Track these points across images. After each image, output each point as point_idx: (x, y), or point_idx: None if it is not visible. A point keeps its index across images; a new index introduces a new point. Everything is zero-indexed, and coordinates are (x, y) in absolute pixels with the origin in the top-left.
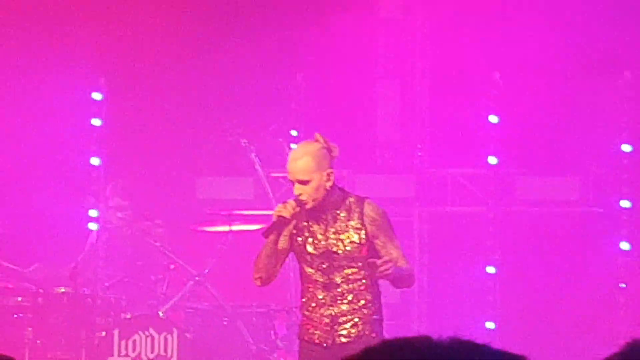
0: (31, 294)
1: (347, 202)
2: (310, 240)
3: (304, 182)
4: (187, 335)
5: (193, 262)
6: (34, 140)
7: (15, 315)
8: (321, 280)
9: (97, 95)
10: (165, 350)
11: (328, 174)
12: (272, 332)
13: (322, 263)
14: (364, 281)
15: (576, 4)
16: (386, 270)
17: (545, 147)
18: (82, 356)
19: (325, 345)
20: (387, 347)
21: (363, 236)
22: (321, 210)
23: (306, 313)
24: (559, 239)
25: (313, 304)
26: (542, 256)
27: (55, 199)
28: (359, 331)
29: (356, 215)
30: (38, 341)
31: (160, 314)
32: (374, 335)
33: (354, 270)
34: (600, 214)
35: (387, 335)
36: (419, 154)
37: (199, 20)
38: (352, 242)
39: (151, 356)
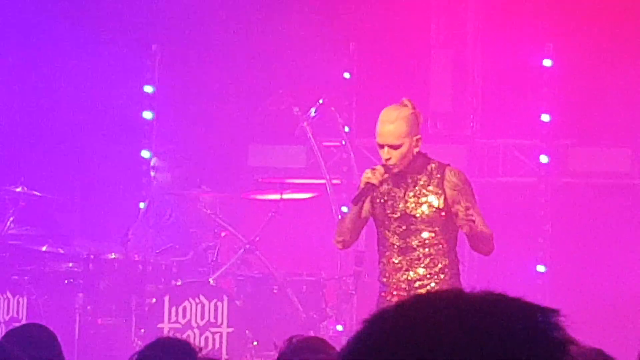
0: (82, 260)
1: (429, 167)
2: (389, 203)
3: (394, 147)
4: (237, 302)
5: (244, 229)
6: (91, 102)
7: (66, 281)
8: (398, 243)
9: (150, 61)
10: (215, 318)
11: (417, 140)
12: (322, 300)
13: (400, 226)
14: (441, 246)
15: None
16: (470, 216)
17: (597, 117)
18: (132, 322)
19: None
20: (420, 300)
21: (442, 201)
22: (403, 174)
23: (383, 279)
24: (610, 210)
25: (390, 269)
26: (593, 228)
27: (109, 163)
28: None
29: (436, 180)
30: (88, 307)
31: (211, 281)
32: None
33: (432, 235)
34: None
35: None
36: (472, 124)
37: None
38: (430, 206)
39: (201, 323)
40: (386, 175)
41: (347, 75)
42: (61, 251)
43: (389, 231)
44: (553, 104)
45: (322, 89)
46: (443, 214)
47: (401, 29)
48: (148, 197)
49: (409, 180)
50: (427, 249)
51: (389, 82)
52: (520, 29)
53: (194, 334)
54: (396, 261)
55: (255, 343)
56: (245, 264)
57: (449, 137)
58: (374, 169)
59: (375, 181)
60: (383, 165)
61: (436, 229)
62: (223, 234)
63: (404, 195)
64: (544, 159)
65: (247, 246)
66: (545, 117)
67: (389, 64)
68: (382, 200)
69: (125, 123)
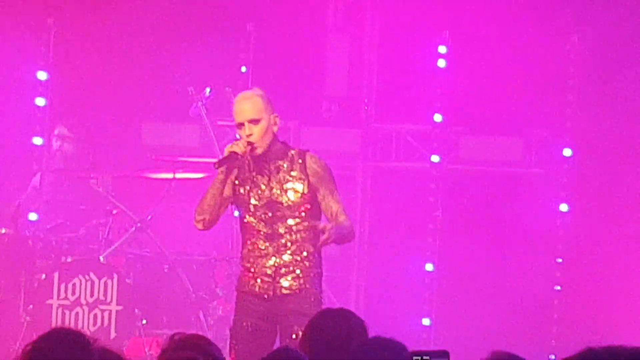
0: None
1: (290, 154)
2: (254, 190)
3: (254, 121)
4: (128, 280)
5: (136, 208)
6: None
7: None
8: (264, 230)
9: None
10: (105, 295)
11: (275, 117)
12: (212, 280)
13: (265, 213)
14: (307, 232)
15: None
16: (327, 239)
17: (489, 106)
18: (21, 298)
19: (266, 296)
20: None
21: (306, 186)
22: (264, 161)
23: (247, 265)
24: (500, 199)
25: (255, 255)
26: (483, 214)
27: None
28: (300, 284)
29: (298, 166)
30: None
31: (101, 258)
32: (314, 289)
33: (297, 220)
34: (541, 175)
35: (328, 288)
36: (366, 108)
37: None
38: (295, 192)
39: (90, 300)
40: (249, 148)
41: (243, 69)
42: None
43: (255, 218)
44: (447, 90)
45: (218, 70)
46: (308, 199)
47: (298, 11)
48: (39, 171)
49: (272, 167)
50: (293, 235)
51: (285, 65)
52: (417, 15)
53: (83, 311)
54: (262, 247)
55: (144, 322)
56: (137, 242)
57: (343, 121)
58: (236, 142)
59: (238, 150)
60: (248, 142)
61: (302, 214)
62: (115, 212)
63: (269, 182)
64: (435, 144)
65: (139, 224)
66: (439, 103)
67: (286, 46)
68: (246, 188)
69: (20, 106)
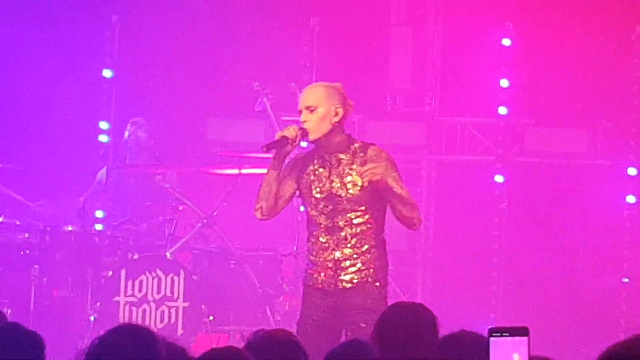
0: (38, 231)
1: (353, 147)
2: (315, 183)
3: (311, 109)
4: (194, 277)
5: (202, 204)
6: (49, 73)
7: (22, 252)
8: (325, 223)
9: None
10: (172, 292)
11: (336, 109)
12: (279, 276)
13: (326, 206)
14: (368, 226)
15: None
16: (374, 170)
17: (554, 98)
18: (88, 295)
19: (329, 290)
20: None
21: (366, 179)
22: (326, 153)
23: (311, 258)
24: (566, 191)
25: (317, 248)
26: (549, 207)
27: (66, 133)
28: (361, 277)
29: (360, 159)
30: (44, 279)
31: (168, 255)
32: (377, 283)
33: (358, 214)
34: (607, 166)
35: (393, 282)
36: (430, 102)
37: None
38: (355, 185)
39: (157, 297)
40: (300, 133)
41: (306, 50)
42: (17, 222)
43: (316, 211)
44: (512, 83)
45: (283, 64)
46: (368, 193)
47: (362, 5)
48: (106, 167)
49: (333, 160)
50: (353, 229)
51: (349, 59)
52: (480, 7)
53: (150, 308)
54: (323, 240)
55: (211, 318)
56: (203, 238)
57: (408, 114)
58: (289, 127)
59: (288, 134)
60: (300, 128)
61: (362, 208)
62: (181, 208)
63: (329, 175)
64: (501, 137)
65: (205, 220)
66: (504, 96)
67: (350, 41)
68: (308, 180)
69: (85, 94)
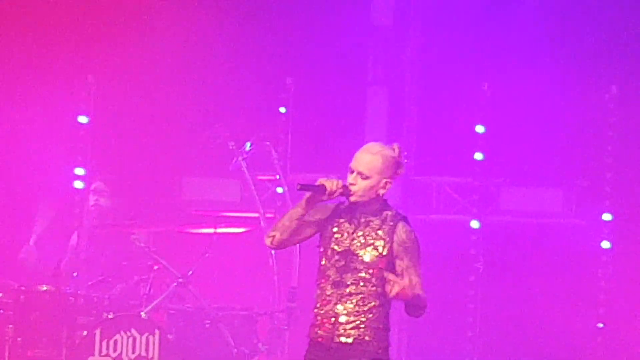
0: (13, 291)
1: (385, 213)
2: (336, 236)
3: (363, 176)
4: (169, 336)
5: (177, 263)
6: (23, 139)
7: None
8: (333, 276)
9: (85, 91)
10: (147, 351)
11: (386, 182)
12: (254, 335)
13: (339, 260)
14: (374, 288)
15: (565, 18)
16: (397, 286)
17: (529, 158)
18: (63, 355)
19: (326, 344)
20: None
21: (387, 249)
22: (359, 211)
23: (315, 310)
24: (540, 250)
25: (321, 300)
26: (524, 266)
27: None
28: (359, 334)
29: (388, 227)
30: (19, 338)
31: (143, 314)
32: (376, 342)
33: (367, 276)
34: (582, 226)
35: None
36: (406, 161)
37: (188, 22)
38: (375, 249)
39: (132, 357)
40: (340, 191)
41: (282, 109)
42: None
43: (329, 262)
44: (487, 142)
45: (258, 124)
46: (385, 261)
47: (337, 65)
48: (78, 229)
49: (362, 220)
50: (359, 287)
51: (325, 118)
52: (456, 67)
53: None
54: (328, 293)
55: None
56: (178, 297)
57: None
58: (334, 179)
59: (328, 185)
60: (344, 186)
61: (374, 271)
62: (156, 267)
63: (353, 232)
64: (476, 196)
65: (180, 280)
66: (479, 156)
67: (325, 100)
68: (331, 231)
69: (60, 161)
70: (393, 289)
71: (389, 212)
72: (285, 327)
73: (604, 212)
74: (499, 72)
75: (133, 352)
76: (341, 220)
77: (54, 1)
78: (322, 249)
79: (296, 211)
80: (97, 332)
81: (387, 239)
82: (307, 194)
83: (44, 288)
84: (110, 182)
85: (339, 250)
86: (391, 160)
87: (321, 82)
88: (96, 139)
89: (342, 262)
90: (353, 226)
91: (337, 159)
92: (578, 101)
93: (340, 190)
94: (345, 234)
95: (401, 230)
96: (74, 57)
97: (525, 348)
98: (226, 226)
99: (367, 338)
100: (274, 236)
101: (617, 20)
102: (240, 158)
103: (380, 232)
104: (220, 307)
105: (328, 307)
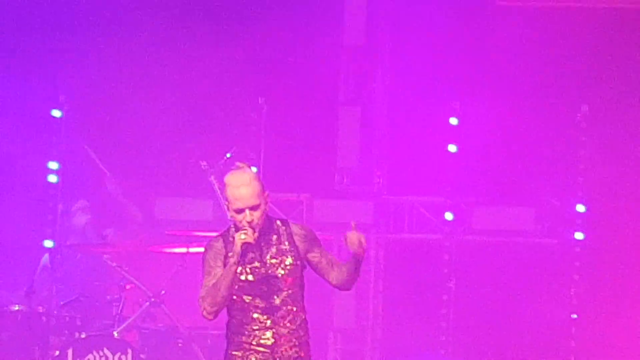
0: None
1: (275, 225)
2: (248, 269)
3: (255, 207)
4: (142, 356)
5: (149, 283)
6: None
7: None
8: (262, 305)
9: (56, 113)
10: None
11: (267, 196)
12: None
13: (262, 288)
14: (298, 299)
15: (537, 39)
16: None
17: (502, 177)
18: None
19: None
20: None
21: (295, 254)
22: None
23: (242, 339)
24: (513, 268)
25: (251, 330)
26: (496, 284)
27: (10, 218)
28: (296, 352)
29: (285, 236)
30: None
31: (115, 334)
32: (308, 356)
33: (290, 291)
34: (554, 244)
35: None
36: (378, 180)
37: (160, 41)
38: (289, 263)
39: None
40: (256, 235)
41: (254, 129)
42: None
43: (250, 295)
44: (459, 162)
45: (231, 143)
46: (299, 269)
47: (310, 84)
48: (48, 251)
49: (262, 243)
50: (288, 306)
51: (297, 138)
52: (428, 86)
53: None
54: (261, 320)
55: None
56: (151, 317)
57: (355, 193)
58: (244, 230)
59: (251, 240)
60: (250, 226)
61: (294, 285)
62: (128, 287)
63: (262, 258)
64: (449, 216)
65: (153, 299)
66: (451, 175)
67: (298, 119)
68: (240, 269)
69: (31, 178)
70: (360, 245)
71: (278, 222)
72: None
73: (576, 231)
74: (470, 90)
75: None
76: (243, 253)
77: None
78: (237, 288)
79: (229, 280)
80: (70, 351)
81: (292, 247)
82: (231, 261)
83: (16, 308)
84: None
85: (257, 279)
86: (258, 177)
87: (293, 102)
88: (70, 163)
89: (265, 288)
90: (258, 252)
91: (309, 178)
92: (550, 120)
93: (254, 235)
94: (256, 263)
95: (295, 228)
96: (46, 74)
97: (498, 331)
98: (199, 245)
99: (302, 354)
100: (216, 310)
101: (588, 40)
102: (212, 177)
103: (283, 246)
104: (192, 327)
105: (260, 334)
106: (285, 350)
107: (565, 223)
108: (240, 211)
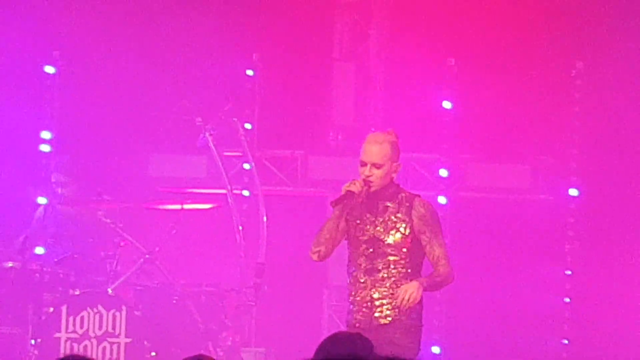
0: None
1: (400, 196)
2: (360, 226)
3: (377, 166)
4: (136, 312)
5: (144, 239)
6: None
7: None
8: (364, 264)
9: (49, 69)
10: (114, 328)
11: (397, 166)
12: (221, 311)
13: (368, 249)
14: (405, 270)
15: None
16: (405, 296)
17: (497, 134)
18: (29, 332)
19: (365, 328)
20: None
21: (409, 229)
22: (376, 199)
23: (350, 298)
24: (508, 225)
25: (357, 288)
26: (491, 241)
27: (3, 173)
28: (395, 314)
29: (404, 208)
30: None
31: (110, 291)
32: (410, 320)
33: (396, 258)
34: (549, 201)
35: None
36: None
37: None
38: (397, 232)
39: (99, 333)
40: (365, 188)
41: (250, 72)
42: None
43: (358, 252)
44: (454, 119)
45: (225, 100)
46: (409, 240)
47: (303, 42)
48: (44, 205)
49: (380, 207)
50: (391, 271)
51: (291, 94)
52: (422, 42)
53: (92, 344)
54: (362, 280)
55: (153, 353)
56: (145, 274)
57: (350, 149)
58: (354, 180)
59: (355, 189)
60: (364, 180)
61: (402, 253)
62: (122, 244)
63: (375, 220)
64: (443, 172)
65: (147, 256)
66: (446, 132)
67: (292, 77)
68: (355, 223)
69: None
70: (404, 303)
71: (403, 194)
72: (253, 303)
73: (571, 187)
74: (465, 47)
75: (100, 329)
76: (362, 212)
77: None
78: (350, 242)
79: (332, 222)
80: (64, 308)
81: (407, 219)
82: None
83: (10, 265)
84: (77, 159)
85: (365, 239)
86: (396, 145)
87: (288, 58)
88: (64, 118)
89: (370, 250)
90: (373, 215)
91: (304, 135)
92: (545, 77)
93: (365, 187)
94: (368, 223)
95: (418, 205)
96: (39, 31)
97: (493, 322)
98: (193, 202)
99: (403, 318)
100: (319, 251)
101: None
102: (207, 134)
103: (399, 215)
104: (187, 284)
105: (363, 294)
106: (382, 312)
107: (560, 180)
108: (363, 164)
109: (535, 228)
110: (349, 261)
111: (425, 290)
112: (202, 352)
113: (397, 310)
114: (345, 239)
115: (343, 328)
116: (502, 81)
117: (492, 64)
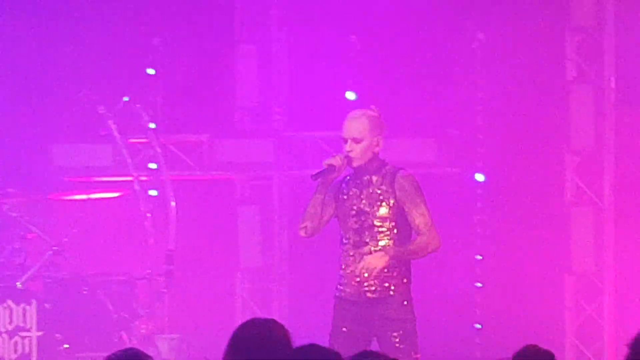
0: None
1: (384, 170)
2: (348, 202)
3: (356, 140)
4: (47, 305)
5: (51, 231)
6: None
7: None
8: (352, 238)
9: None
10: (25, 322)
11: (378, 140)
12: (133, 299)
13: (355, 223)
14: (392, 242)
15: None
16: (368, 266)
17: (400, 108)
18: None
19: (354, 300)
20: None
21: (392, 201)
22: (361, 174)
23: (340, 272)
24: None
25: (346, 262)
26: None
27: None
28: (383, 289)
29: (388, 181)
30: None
31: (18, 284)
32: (400, 294)
33: (383, 229)
34: (455, 174)
35: (250, 300)
36: (278, 117)
37: None
38: (382, 204)
39: (10, 328)
40: (345, 162)
41: (150, 71)
42: None
43: (346, 226)
44: (358, 95)
45: (127, 86)
46: (394, 213)
47: (205, 24)
48: None
49: (365, 181)
50: (378, 245)
51: (194, 78)
52: (324, 20)
53: (3, 339)
54: (351, 254)
55: (66, 346)
56: (54, 266)
57: (255, 131)
58: (335, 156)
59: (335, 163)
60: (345, 156)
61: (388, 225)
62: (29, 237)
63: (360, 194)
64: None
65: (55, 248)
66: (350, 108)
67: (194, 60)
68: (343, 199)
69: None
70: (364, 270)
71: (387, 167)
72: (165, 290)
73: (477, 160)
74: (366, 23)
75: (10, 323)
76: (349, 188)
77: None
78: (339, 218)
79: (317, 197)
80: None
81: (390, 190)
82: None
83: None
84: None
85: (353, 213)
86: (375, 120)
87: (189, 42)
88: None
89: (358, 224)
90: (359, 189)
91: (209, 118)
92: (446, 49)
93: (345, 162)
94: (355, 197)
95: (400, 177)
96: None
97: None
98: (99, 192)
99: (391, 292)
100: (306, 226)
101: None
102: (110, 122)
103: (383, 187)
104: (97, 274)
105: (352, 268)
106: (371, 285)
107: (466, 151)
108: (345, 141)
109: (444, 201)
110: (341, 237)
111: (395, 258)
112: (115, 341)
113: (384, 284)
114: (335, 216)
115: (257, 311)
116: (404, 55)
117: (393, 39)
